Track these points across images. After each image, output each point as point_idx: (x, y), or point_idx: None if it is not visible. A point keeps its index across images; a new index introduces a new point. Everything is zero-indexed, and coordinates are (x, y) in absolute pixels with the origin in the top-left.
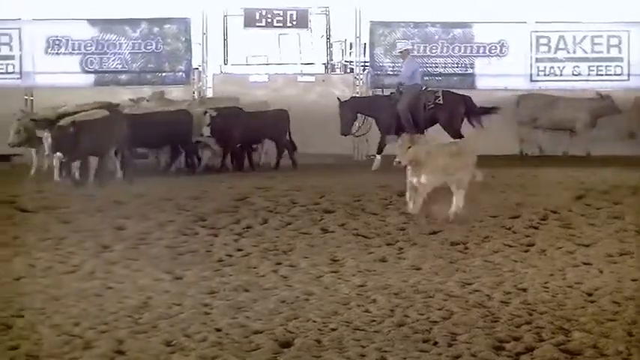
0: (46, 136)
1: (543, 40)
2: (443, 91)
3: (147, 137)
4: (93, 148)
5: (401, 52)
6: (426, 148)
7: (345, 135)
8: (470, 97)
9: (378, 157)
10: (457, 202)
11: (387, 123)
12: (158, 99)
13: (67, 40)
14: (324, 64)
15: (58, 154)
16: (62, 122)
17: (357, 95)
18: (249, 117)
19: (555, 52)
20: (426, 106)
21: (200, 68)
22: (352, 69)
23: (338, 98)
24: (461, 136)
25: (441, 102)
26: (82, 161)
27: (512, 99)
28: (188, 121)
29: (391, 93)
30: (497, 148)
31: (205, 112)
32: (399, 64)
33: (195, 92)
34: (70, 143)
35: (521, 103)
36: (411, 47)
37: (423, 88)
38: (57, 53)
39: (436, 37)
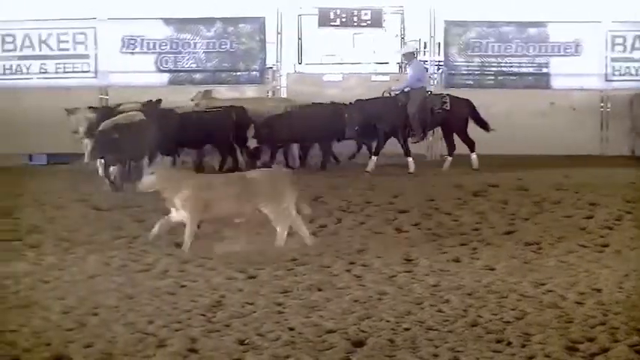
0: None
1: (619, 40)
2: (449, 95)
3: (189, 137)
4: (132, 152)
5: (405, 54)
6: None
7: (351, 138)
8: (471, 102)
9: (374, 158)
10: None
11: (394, 125)
12: (205, 98)
13: (142, 40)
14: (398, 63)
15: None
16: (103, 126)
17: (363, 98)
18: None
19: (631, 52)
20: (433, 110)
21: (274, 67)
22: (426, 68)
23: (338, 102)
24: (470, 140)
25: (448, 107)
26: (122, 165)
27: (592, 98)
28: (229, 120)
29: (397, 95)
30: (578, 148)
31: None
32: (473, 64)
33: (269, 91)
34: (111, 147)
35: (635, 101)
36: (416, 49)
37: (429, 92)
38: (132, 52)
39: (510, 36)
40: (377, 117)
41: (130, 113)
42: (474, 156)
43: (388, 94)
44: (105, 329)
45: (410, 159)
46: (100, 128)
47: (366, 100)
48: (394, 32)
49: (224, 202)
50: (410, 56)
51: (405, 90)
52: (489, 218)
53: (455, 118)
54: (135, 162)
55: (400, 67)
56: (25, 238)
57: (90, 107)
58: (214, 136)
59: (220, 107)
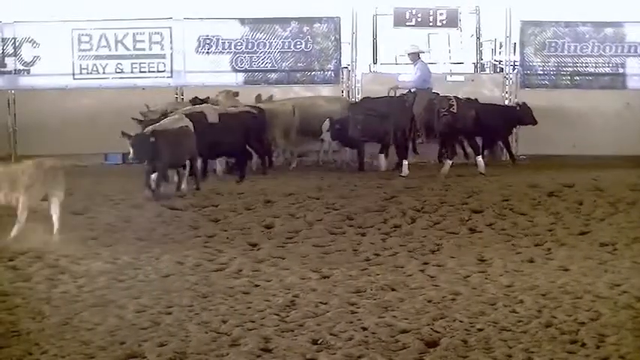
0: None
1: None
2: (455, 98)
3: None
4: (171, 159)
5: (410, 54)
6: None
7: (355, 137)
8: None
9: (405, 162)
10: None
11: (401, 125)
12: (227, 99)
13: (218, 39)
14: (474, 63)
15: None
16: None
17: (370, 97)
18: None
19: None
20: (439, 113)
21: (349, 67)
22: (502, 68)
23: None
24: (476, 144)
25: (455, 110)
26: (161, 172)
27: None
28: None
29: (403, 95)
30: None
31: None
32: (549, 64)
33: (344, 91)
34: (149, 153)
35: None
36: (420, 50)
37: (435, 94)
38: (207, 52)
39: (587, 36)
40: (384, 117)
41: (174, 117)
42: (479, 159)
43: (394, 93)
44: (179, 328)
45: (405, 162)
46: (137, 133)
47: (374, 99)
48: (470, 32)
49: None
50: (415, 57)
51: (412, 90)
52: (564, 219)
53: (461, 121)
54: (174, 168)
55: (475, 67)
56: (100, 237)
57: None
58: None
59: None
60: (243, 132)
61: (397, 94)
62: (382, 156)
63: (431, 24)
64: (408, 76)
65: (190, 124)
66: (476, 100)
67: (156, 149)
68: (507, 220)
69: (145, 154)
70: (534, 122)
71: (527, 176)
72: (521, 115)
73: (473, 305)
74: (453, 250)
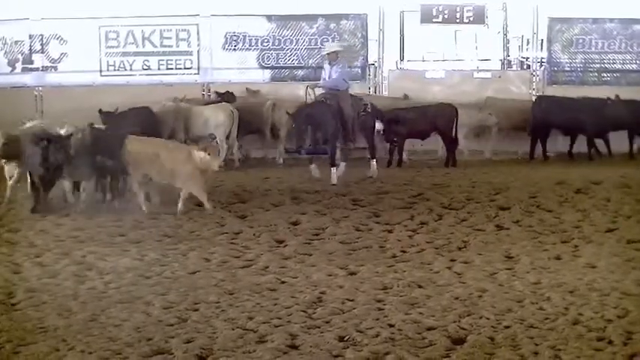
0: None
1: None
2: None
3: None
4: None
5: (329, 54)
6: None
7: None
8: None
9: (342, 164)
10: None
11: (333, 130)
12: (253, 96)
13: (245, 36)
14: (501, 60)
15: None
16: None
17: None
18: (413, 112)
19: None
20: (359, 114)
21: (376, 64)
22: (529, 65)
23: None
24: (373, 147)
25: (370, 110)
26: None
27: None
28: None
29: (327, 99)
30: None
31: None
32: (577, 61)
33: (371, 88)
34: None
35: None
36: (341, 49)
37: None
38: (234, 49)
39: (615, 32)
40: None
41: None
42: (373, 162)
43: (312, 91)
44: (205, 325)
45: (341, 166)
46: None
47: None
48: (497, 29)
49: None
50: (334, 55)
51: (331, 91)
52: (591, 216)
53: (372, 122)
54: None
55: (502, 64)
56: (127, 234)
57: None
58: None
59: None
60: None
61: (315, 94)
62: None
63: (458, 20)
64: (435, 73)
65: None
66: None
67: None
68: (534, 217)
69: None
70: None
71: (554, 173)
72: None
73: (500, 302)
74: (479, 247)
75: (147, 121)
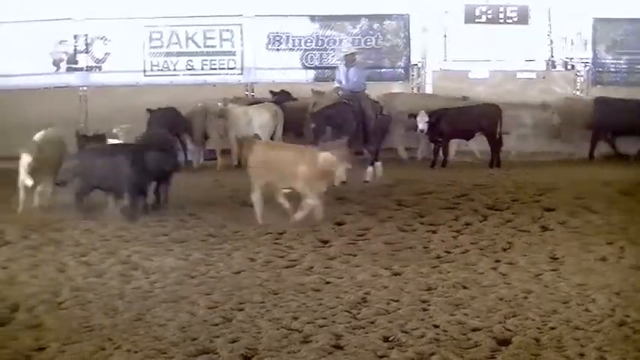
0: None
1: None
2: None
3: None
4: None
5: (347, 55)
6: None
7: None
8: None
9: (378, 164)
10: None
11: (353, 132)
12: (318, 97)
13: (288, 36)
14: (545, 60)
15: None
16: None
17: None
18: (458, 112)
19: None
20: (377, 116)
21: (419, 64)
22: (573, 66)
23: (309, 112)
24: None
25: (386, 112)
26: None
27: None
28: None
29: (350, 100)
30: None
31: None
32: (621, 61)
33: (414, 88)
34: None
35: None
36: (357, 51)
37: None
38: (277, 49)
39: None
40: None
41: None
42: (378, 164)
43: (337, 95)
44: (250, 325)
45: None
46: None
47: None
48: (541, 29)
49: None
50: (352, 57)
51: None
52: (637, 217)
53: (387, 125)
54: None
55: (547, 64)
56: (172, 234)
57: None
58: None
59: None
60: None
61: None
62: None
63: (501, 21)
64: (478, 73)
65: None
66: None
67: None
68: (580, 218)
69: None
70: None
71: (600, 174)
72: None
73: (545, 303)
74: (524, 247)
75: (173, 121)
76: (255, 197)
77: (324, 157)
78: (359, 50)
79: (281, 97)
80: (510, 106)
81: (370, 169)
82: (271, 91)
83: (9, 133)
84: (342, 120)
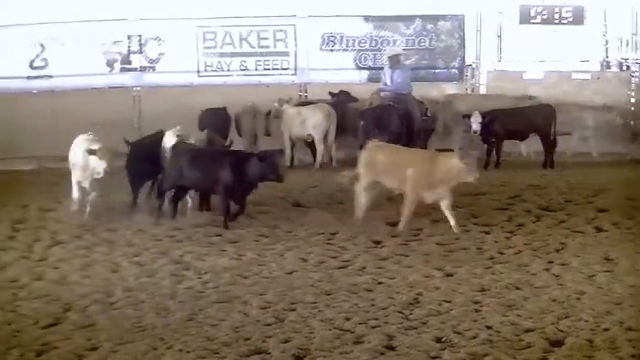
0: None
1: None
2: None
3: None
4: None
5: (391, 57)
6: None
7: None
8: None
9: None
10: None
11: (399, 133)
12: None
13: (342, 37)
14: (600, 61)
15: None
16: None
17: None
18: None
19: None
20: (422, 117)
21: (473, 65)
22: (628, 66)
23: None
24: None
25: (430, 114)
26: None
27: None
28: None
29: (395, 101)
30: None
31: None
32: None
33: (469, 89)
34: None
35: None
36: (402, 52)
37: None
38: (331, 50)
39: None
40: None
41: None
42: None
43: (377, 97)
44: (302, 325)
45: None
46: None
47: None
48: (596, 29)
49: None
50: (396, 59)
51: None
52: None
53: (433, 125)
54: None
55: (601, 65)
56: (224, 234)
57: None
58: None
59: None
60: None
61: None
62: None
63: (556, 21)
64: (533, 73)
65: None
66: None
67: None
68: (634, 219)
69: None
70: None
71: None
72: None
73: (598, 305)
74: (578, 248)
75: (221, 121)
76: (359, 190)
77: (456, 166)
78: (412, 51)
79: (341, 98)
80: (574, 108)
81: None
82: (330, 92)
83: (62, 134)
84: (388, 121)
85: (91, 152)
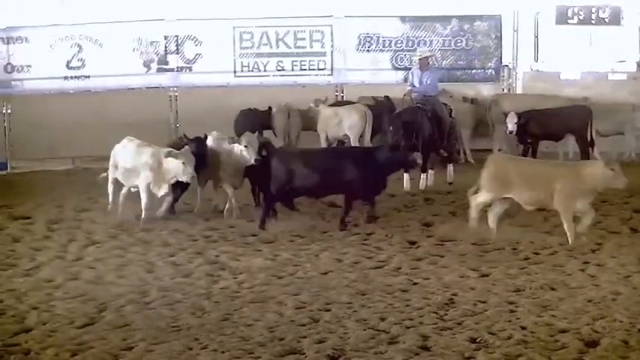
0: None
1: None
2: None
3: None
4: None
5: (420, 59)
6: None
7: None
8: None
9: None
10: None
11: (428, 136)
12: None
13: (378, 37)
14: (636, 62)
15: None
16: None
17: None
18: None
19: None
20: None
21: (510, 65)
22: None
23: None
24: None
25: (454, 115)
26: None
27: None
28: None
29: (423, 103)
30: None
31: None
32: None
33: (505, 89)
34: None
35: None
36: (430, 54)
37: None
38: (367, 50)
39: None
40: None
41: None
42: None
43: (410, 99)
44: (337, 325)
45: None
46: None
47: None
48: (633, 29)
49: None
50: (425, 61)
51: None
52: None
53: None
54: None
55: (638, 65)
56: (260, 234)
57: None
58: None
59: None
60: None
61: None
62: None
63: (593, 21)
64: (570, 74)
65: None
66: None
67: None
68: None
69: None
70: None
71: None
72: None
73: (634, 305)
74: (613, 249)
75: (254, 122)
76: (476, 202)
77: (603, 174)
78: (448, 51)
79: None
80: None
81: (450, 168)
82: (373, 97)
83: (100, 134)
84: (417, 123)
85: (170, 155)
